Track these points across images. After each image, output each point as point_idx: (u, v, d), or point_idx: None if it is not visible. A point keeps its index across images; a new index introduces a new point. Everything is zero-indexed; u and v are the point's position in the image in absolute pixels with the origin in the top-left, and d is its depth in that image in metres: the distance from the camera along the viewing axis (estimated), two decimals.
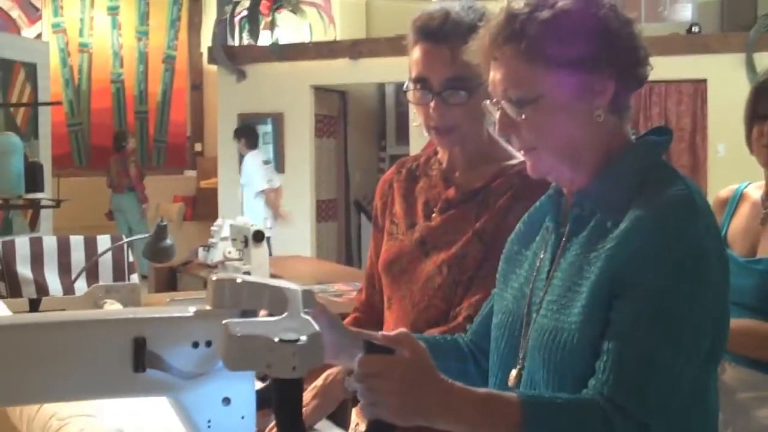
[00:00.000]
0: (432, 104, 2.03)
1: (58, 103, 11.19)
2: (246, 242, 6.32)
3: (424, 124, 2.08)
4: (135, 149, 11.47)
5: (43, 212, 8.35)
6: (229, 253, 6.52)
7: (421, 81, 2.04)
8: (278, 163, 10.44)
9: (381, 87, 11.25)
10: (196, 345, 1.24)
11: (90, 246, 5.44)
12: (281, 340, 1.15)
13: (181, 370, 1.22)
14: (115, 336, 1.21)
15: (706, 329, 1.48)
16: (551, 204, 1.68)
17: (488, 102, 1.64)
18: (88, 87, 12.19)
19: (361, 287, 2.34)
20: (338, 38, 10.69)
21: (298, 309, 1.23)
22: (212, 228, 7.20)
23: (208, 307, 1.27)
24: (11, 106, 8.26)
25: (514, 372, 1.61)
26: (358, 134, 11.38)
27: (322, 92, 10.66)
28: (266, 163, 9.48)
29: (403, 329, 1.38)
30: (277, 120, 10.44)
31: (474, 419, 1.39)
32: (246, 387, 1.28)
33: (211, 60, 10.87)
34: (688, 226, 1.48)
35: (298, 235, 9.92)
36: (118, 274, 5.40)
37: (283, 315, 1.21)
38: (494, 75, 1.61)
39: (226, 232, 6.65)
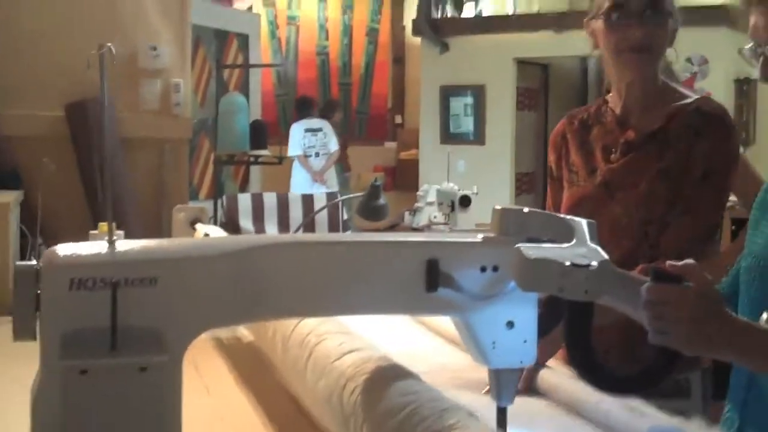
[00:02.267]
0: (631, 25, 2.13)
1: (278, 65, 11.65)
2: (452, 206, 6.43)
3: (615, 49, 2.17)
4: (340, 120, 11.73)
5: (253, 177, 8.66)
6: (435, 217, 6.64)
7: (618, 6, 2.14)
8: (478, 135, 10.49)
9: (583, 61, 11.11)
10: (483, 269, 1.29)
11: (307, 203, 5.65)
12: (573, 264, 1.19)
13: (471, 291, 1.28)
14: (410, 257, 1.27)
15: None
16: None
17: (747, 47, 1.64)
18: (295, 58, 12.53)
19: None
20: (540, 10, 10.62)
21: (584, 238, 1.27)
22: (418, 193, 7.34)
23: (493, 235, 1.33)
24: (232, 67, 8.57)
25: (765, 315, 1.61)
26: (559, 107, 11.27)
27: (524, 65, 10.63)
28: (310, 131, 10.12)
29: (690, 260, 1.40)
30: (479, 92, 10.47)
31: (760, 353, 1.40)
32: (529, 312, 1.32)
33: (416, 32, 10.99)
34: None
35: None
36: (333, 230, 5.58)
37: (572, 242, 1.25)
38: (757, 20, 1.60)
39: (432, 197, 6.77)
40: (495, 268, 1.29)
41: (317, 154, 10.05)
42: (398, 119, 13.06)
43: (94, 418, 1.11)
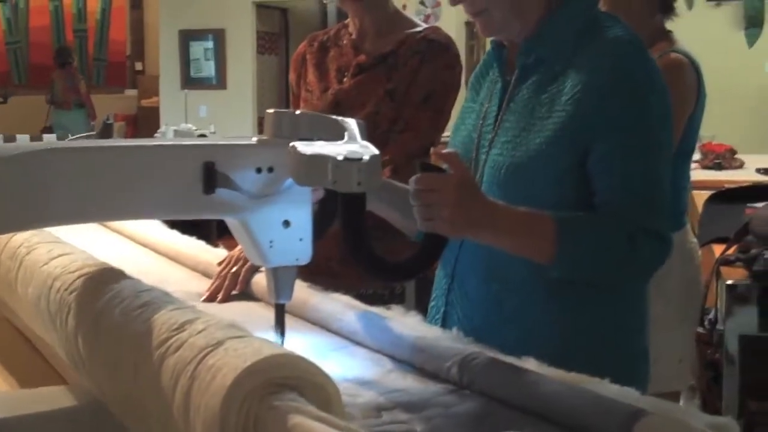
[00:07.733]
0: None
1: None
2: None
3: None
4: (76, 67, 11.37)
5: None
6: None
7: None
8: (220, 79, 10.44)
9: (323, 5, 11.22)
10: (259, 170, 1.33)
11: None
12: (346, 158, 1.25)
13: (248, 192, 1.32)
14: (187, 160, 1.29)
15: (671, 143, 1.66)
16: (494, 56, 1.78)
17: None
18: (26, 5, 11.98)
19: None
20: None
21: (355, 136, 1.32)
22: (156, 135, 7.32)
23: (267, 137, 1.37)
24: None
25: None
26: None
27: (263, 9, 10.63)
28: None
29: (452, 150, 1.48)
30: (219, 36, 10.41)
31: (516, 233, 1.52)
32: (304, 211, 1.37)
33: None
34: (646, 59, 1.63)
35: None
36: None
37: (344, 140, 1.31)
38: None
39: (170, 136, 6.81)
40: (270, 169, 1.33)
41: None
42: (138, 66, 12.76)
43: None
